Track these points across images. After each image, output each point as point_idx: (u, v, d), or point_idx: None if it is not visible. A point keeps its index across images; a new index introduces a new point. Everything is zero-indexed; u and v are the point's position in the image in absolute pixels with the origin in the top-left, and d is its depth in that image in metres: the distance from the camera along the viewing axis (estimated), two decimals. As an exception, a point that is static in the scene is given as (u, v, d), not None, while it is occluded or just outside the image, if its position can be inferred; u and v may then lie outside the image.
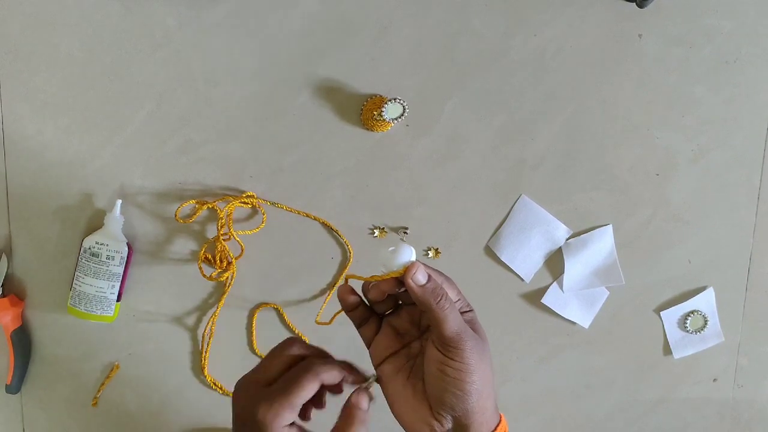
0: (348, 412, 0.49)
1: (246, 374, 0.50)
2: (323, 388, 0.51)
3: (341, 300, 0.52)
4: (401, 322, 0.53)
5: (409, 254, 0.48)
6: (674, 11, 0.75)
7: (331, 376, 0.49)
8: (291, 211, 0.76)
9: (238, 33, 0.73)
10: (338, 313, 0.56)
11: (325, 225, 0.76)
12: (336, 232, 0.76)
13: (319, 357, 0.51)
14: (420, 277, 0.48)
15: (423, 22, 0.74)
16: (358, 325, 0.53)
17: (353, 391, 0.50)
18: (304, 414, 0.51)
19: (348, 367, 0.51)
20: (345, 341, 0.71)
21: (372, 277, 0.50)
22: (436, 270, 0.50)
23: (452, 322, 0.47)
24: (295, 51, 0.73)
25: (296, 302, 0.78)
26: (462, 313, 0.51)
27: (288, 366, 0.50)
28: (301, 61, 0.74)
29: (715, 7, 0.76)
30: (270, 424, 0.46)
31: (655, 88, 0.77)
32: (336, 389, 0.52)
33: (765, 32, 0.76)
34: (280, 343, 0.51)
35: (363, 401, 0.50)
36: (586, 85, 0.76)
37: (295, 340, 0.51)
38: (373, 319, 0.53)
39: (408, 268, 0.48)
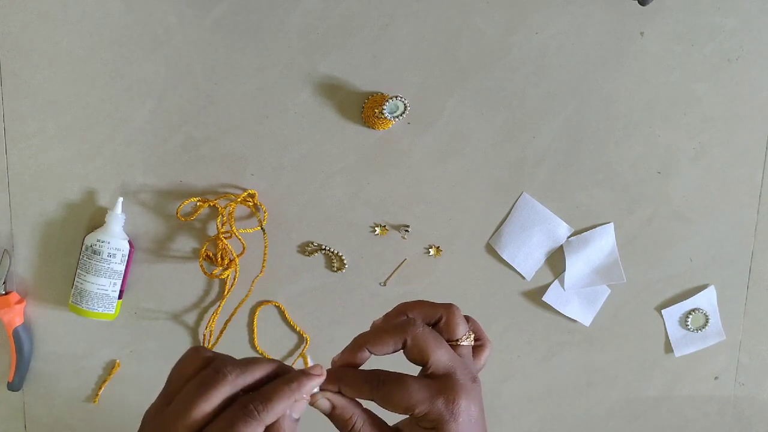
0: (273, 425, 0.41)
1: (153, 403, 0.41)
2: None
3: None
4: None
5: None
6: (676, 9, 0.75)
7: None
8: (265, 247, 0.75)
9: (239, 30, 0.73)
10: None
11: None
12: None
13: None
14: (324, 403, 0.42)
15: (424, 20, 0.74)
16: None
17: None
18: None
19: (269, 368, 0.41)
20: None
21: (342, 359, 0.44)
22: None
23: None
24: (296, 48, 0.73)
25: (297, 300, 0.78)
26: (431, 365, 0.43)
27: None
28: (302, 58, 0.74)
29: (717, 4, 0.75)
30: None
31: (656, 85, 0.77)
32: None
33: (767, 30, 0.76)
34: (182, 359, 0.41)
35: (295, 409, 0.41)
36: (588, 83, 0.76)
37: (198, 351, 0.41)
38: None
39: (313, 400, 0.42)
